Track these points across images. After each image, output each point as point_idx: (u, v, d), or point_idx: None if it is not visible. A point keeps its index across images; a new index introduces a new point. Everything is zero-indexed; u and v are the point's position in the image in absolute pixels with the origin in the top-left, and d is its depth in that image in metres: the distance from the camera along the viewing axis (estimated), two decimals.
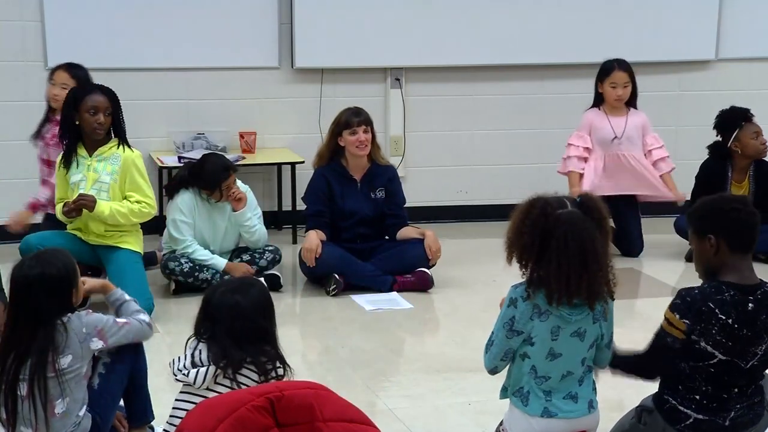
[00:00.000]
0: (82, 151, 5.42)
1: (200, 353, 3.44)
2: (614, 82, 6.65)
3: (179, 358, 3.48)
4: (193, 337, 3.51)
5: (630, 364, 3.54)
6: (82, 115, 5.33)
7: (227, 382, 3.40)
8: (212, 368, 3.40)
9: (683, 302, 3.35)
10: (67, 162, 5.42)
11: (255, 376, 3.41)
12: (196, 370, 3.41)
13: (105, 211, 5.34)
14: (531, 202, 3.34)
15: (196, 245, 5.86)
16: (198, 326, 3.51)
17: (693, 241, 3.49)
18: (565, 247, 3.24)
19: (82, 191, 5.37)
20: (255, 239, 6.01)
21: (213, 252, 5.92)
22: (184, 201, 5.87)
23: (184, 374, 3.42)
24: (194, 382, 3.41)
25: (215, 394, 3.34)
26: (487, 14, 7.37)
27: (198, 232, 5.91)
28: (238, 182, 5.95)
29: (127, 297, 3.78)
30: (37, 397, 3.37)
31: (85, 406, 3.49)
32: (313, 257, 5.91)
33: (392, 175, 6.23)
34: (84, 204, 5.32)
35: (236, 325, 3.42)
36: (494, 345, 3.41)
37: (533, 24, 7.43)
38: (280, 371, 3.44)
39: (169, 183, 6.19)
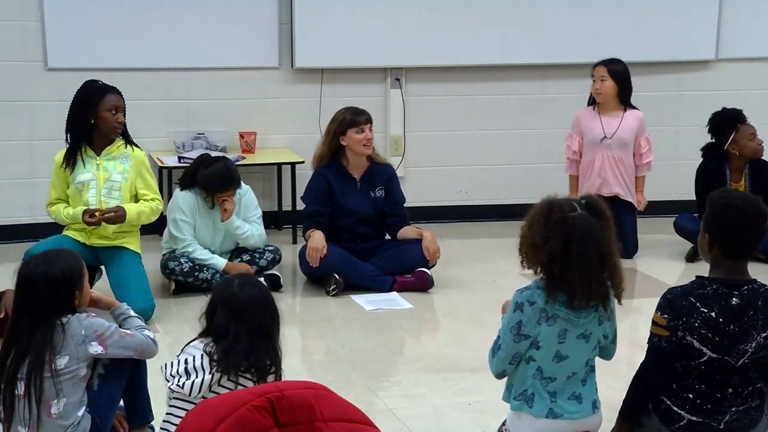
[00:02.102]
0: (88, 151, 5.41)
1: (194, 359, 3.37)
2: (593, 76, 6.71)
3: (171, 363, 3.43)
4: (190, 342, 3.45)
5: (630, 388, 3.54)
6: (102, 114, 5.33)
7: (222, 391, 3.34)
8: (208, 377, 3.34)
9: (665, 300, 3.40)
10: (72, 161, 5.41)
11: (251, 384, 3.36)
12: (191, 381, 3.35)
13: (133, 214, 5.37)
14: (548, 206, 3.32)
15: (196, 245, 5.86)
16: (221, 328, 3.37)
17: (701, 224, 3.50)
18: (586, 251, 3.24)
19: (92, 191, 5.36)
20: (250, 244, 5.99)
21: (213, 252, 5.92)
22: (185, 200, 5.87)
23: (178, 385, 3.36)
24: (189, 394, 3.35)
25: None
26: (487, 14, 7.37)
27: (198, 232, 5.91)
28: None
29: (131, 313, 3.75)
30: (32, 396, 3.37)
31: (84, 407, 3.49)
32: (319, 257, 5.90)
33: (391, 174, 6.23)
34: (116, 219, 5.31)
35: (265, 317, 3.39)
36: (501, 349, 3.41)
37: (533, 24, 7.43)
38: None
39: (184, 174, 6.04)
